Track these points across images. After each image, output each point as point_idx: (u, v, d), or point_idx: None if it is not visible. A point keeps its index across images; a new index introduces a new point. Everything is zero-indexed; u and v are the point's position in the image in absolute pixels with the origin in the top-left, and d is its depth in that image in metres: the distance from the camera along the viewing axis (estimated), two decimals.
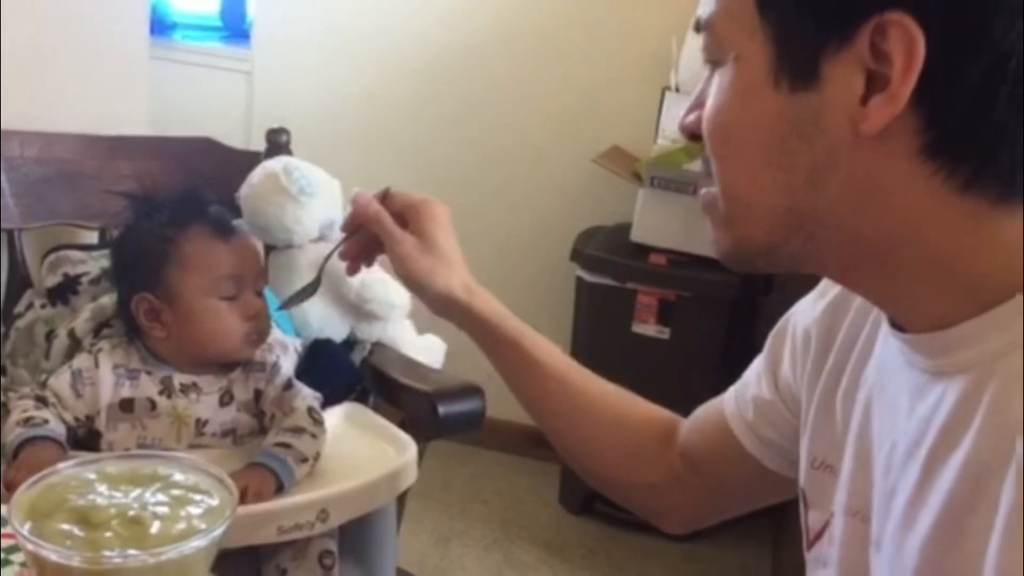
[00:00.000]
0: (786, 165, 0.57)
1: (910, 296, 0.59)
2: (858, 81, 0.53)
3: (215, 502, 0.54)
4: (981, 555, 0.52)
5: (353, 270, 0.97)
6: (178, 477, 0.56)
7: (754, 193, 0.59)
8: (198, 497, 0.54)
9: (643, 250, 2.15)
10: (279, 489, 1.06)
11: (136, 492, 0.54)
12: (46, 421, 1.05)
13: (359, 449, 1.20)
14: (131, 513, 0.52)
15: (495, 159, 2.49)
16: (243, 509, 1.00)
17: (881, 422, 0.65)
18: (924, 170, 0.54)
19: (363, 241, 0.95)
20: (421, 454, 1.21)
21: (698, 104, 0.62)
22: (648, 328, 2.16)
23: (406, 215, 0.95)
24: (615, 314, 2.16)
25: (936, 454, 0.57)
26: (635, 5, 2.33)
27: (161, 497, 0.54)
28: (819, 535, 0.72)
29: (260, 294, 1.16)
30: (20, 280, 1.35)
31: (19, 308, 1.29)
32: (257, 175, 1.42)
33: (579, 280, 2.21)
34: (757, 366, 0.85)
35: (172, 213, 1.14)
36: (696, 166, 2.30)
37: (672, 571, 2.17)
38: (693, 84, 2.23)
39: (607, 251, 2.19)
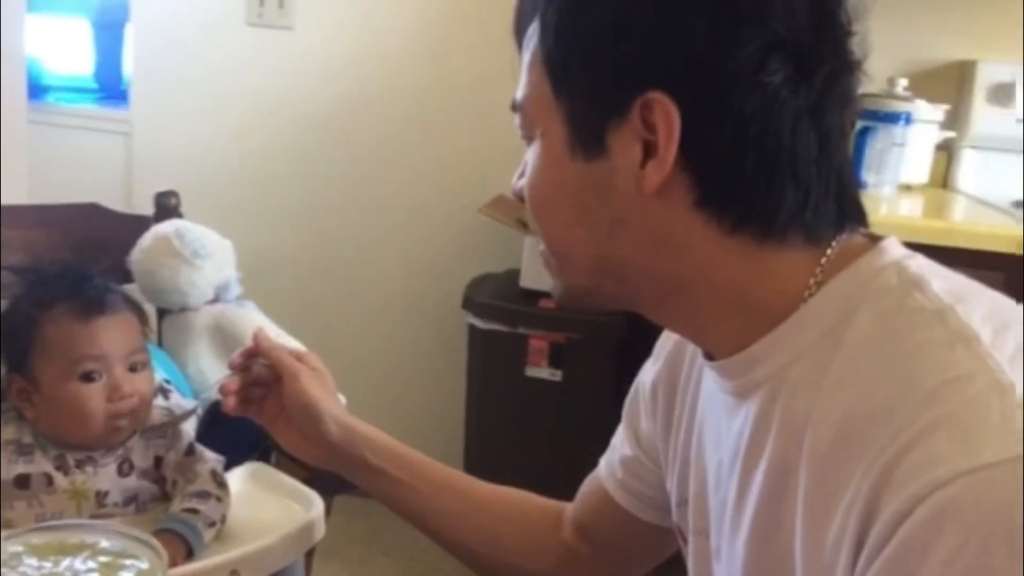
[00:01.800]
0: (589, 222, 0.66)
1: (709, 326, 0.68)
2: (636, 149, 0.63)
3: (145, 565, 0.56)
4: (791, 541, 0.61)
5: (230, 407, 1.01)
6: (105, 544, 0.57)
7: (569, 246, 0.69)
8: (128, 562, 0.56)
9: (532, 295, 2.21)
10: (189, 555, 1.06)
11: (66, 561, 0.55)
12: None
13: (265, 508, 1.21)
14: None
15: (382, 213, 2.52)
16: None
17: (710, 445, 0.74)
18: (699, 218, 0.64)
19: (249, 378, 1.01)
20: (327, 509, 1.23)
21: (523, 172, 0.72)
22: (541, 371, 2.21)
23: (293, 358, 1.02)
24: (508, 359, 2.21)
25: (748, 462, 0.66)
26: (516, 57, 2.41)
27: (91, 564, 0.55)
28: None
29: (137, 369, 1.12)
30: None
31: None
32: (148, 239, 1.42)
33: (471, 327, 2.25)
34: (619, 433, 0.95)
35: (40, 292, 1.12)
36: None
37: None
38: None
39: (498, 298, 2.24)
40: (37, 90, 2.71)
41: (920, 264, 0.65)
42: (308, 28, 2.47)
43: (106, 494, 1.10)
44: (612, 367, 2.20)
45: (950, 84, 2.29)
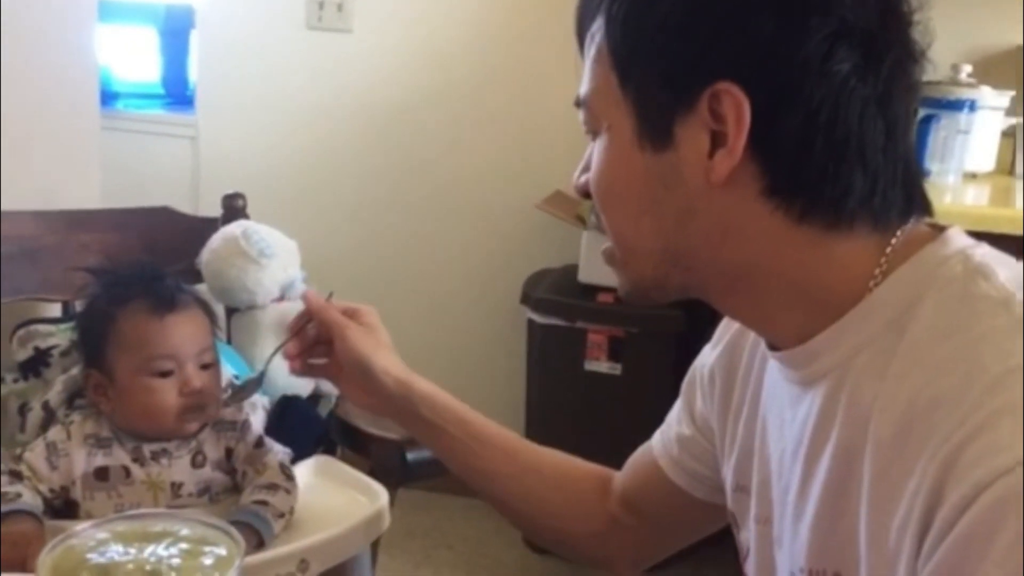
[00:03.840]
0: (657, 213, 0.68)
1: (774, 315, 0.69)
2: (704, 139, 0.64)
3: (223, 552, 0.59)
4: (856, 527, 0.62)
5: (295, 369, 1.05)
6: (185, 532, 0.60)
7: (636, 238, 0.70)
8: (207, 549, 0.59)
9: (591, 290, 2.23)
10: (259, 545, 1.10)
11: (150, 548, 0.58)
12: (19, 495, 1.07)
13: (332, 500, 1.24)
14: (149, 567, 0.56)
15: (440, 210, 2.56)
16: None
17: (773, 435, 0.74)
18: (766, 208, 0.64)
19: (307, 340, 1.05)
20: (391, 501, 1.26)
21: (586, 168, 0.73)
22: (600, 365, 2.22)
23: (347, 314, 1.04)
24: (567, 353, 2.23)
25: (813, 451, 0.67)
26: (570, 55, 2.43)
27: (174, 551, 0.58)
28: (747, 553, 0.82)
29: (208, 367, 1.17)
30: None
31: None
32: (217, 240, 1.47)
33: (530, 322, 2.27)
34: (676, 410, 0.95)
35: (115, 290, 1.17)
36: None
37: None
38: None
39: (556, 292, 2.26)
40: (107, 97, 2.78)
41: (985, 253, 0.65)
42: (366, 30, 2.51)
43: (181, 485, 1.14)
44: (671, 360, 2.20)
45: (1015, 70, 2.24)
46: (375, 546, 1.33)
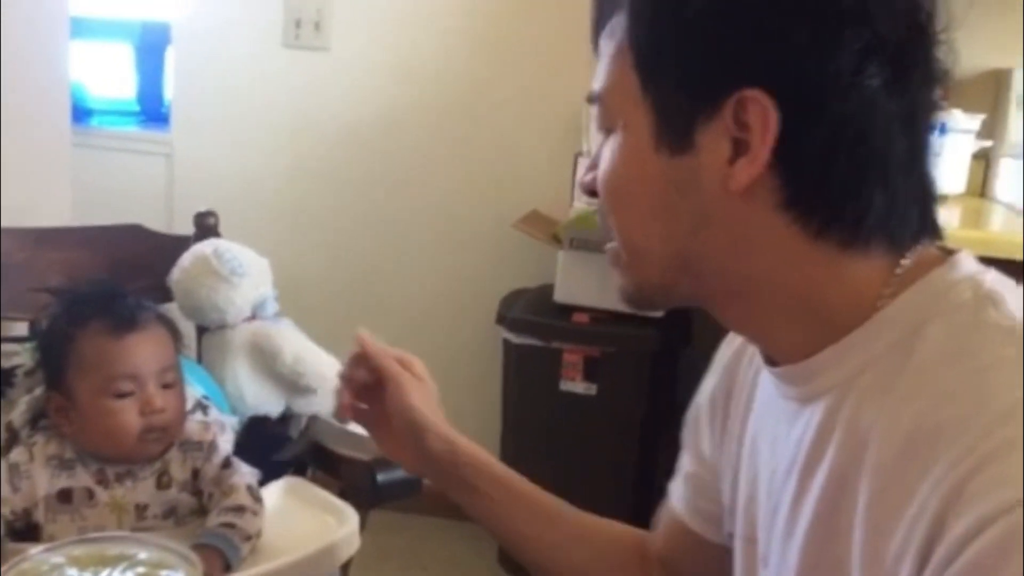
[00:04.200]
0: (669, 217, 0.66)
1: (778, 329, 0.68)
2: (725, 146, 0.62)
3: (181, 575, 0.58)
4: (848, 549, 0.61)
5: (345, 416, 1.00)
6: (143, 555, 0.59)
7: (646, 241, 0.68)
8: (164, 573, 0.58)
9: (566, 310, 2.22)
10: (226, 569, 1.08)
11: (105, 572, 0.57)
12: None
13: (300, 522, 1.23)
14: None
15: (416, 229, 2.55)
16: None
17: (764, 453, 0.73)
18: (783, 220, 0.63)
19: (359, 385, 0.99)
20: (362, 523, 1.24)
21: (594, 165, 0.70)
22: (576, 385, 2.22)
23: (399, 363, 0.99)
24: (543, 373, 2.22)
25: (807, 470, 0.66)
26: (548, 73, 2.44)
27: (129, 575, 0.57)
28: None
29: (170, 386, 1.15)
30: None
31: None
32: (187, 259, 1.45)
33: (506, 342, 2.27)
34: (683, 452, 0.92)
35: (75, 310, 1.15)
36: None
37: None
38: None
39: (532, 312, 2.25)
40: (82, 114, 2.77)
41: (994, 279, 0.64)
42: (343, 49, 2.51)
43: (146, 507, 1.13)
44: (646, 379, 2.20)
45: (986, 93, 2.27)
46: (345, 569, 1.31)
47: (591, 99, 0.70)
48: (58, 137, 1.71)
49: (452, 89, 2.49)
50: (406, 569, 2.35)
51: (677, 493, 0.93)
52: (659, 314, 2.19)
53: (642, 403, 2.22)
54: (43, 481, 1.11)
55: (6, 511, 1.09)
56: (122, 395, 1.12)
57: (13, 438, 1.19)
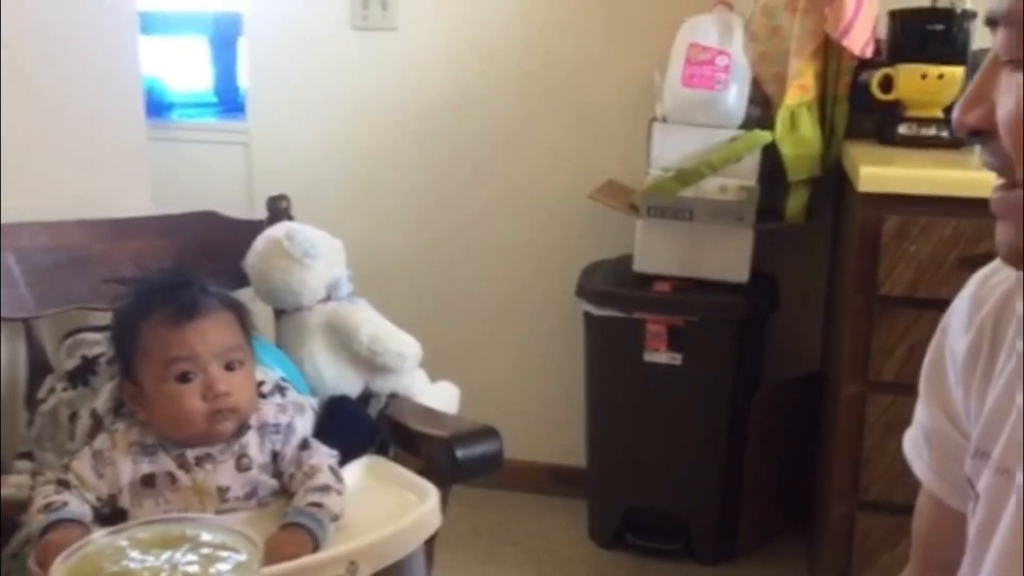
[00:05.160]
0: None
1: None
2: None
3: (243, 557, 0.57)
4: None
5: None
6: (205, 537, 0.58)
7: None
8: (225, 554, 0.57)
9: (647, 279, 2.18)
10: (315, 548, 1.08)
11: (167, 554, 0.56)
12: (65, 504, 1.07)
13: (382, 500, 1.22)
14: (164, 574, 0.55)
15: (490, 205, 2.53)
16: (277, 568, 1.03)
17: None
18: None
19: None
20: (444, 500, 1.23)
21: (978, 100, 0.61)
22: (660, 356, 2.17)
23: None
24: (626, 345, 2.18)
25: None
26: (616, 42, 2.39)
27: (191, 557, 0.56)
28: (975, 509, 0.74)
29: (236, 368, 1.16)
30: (40, 366, 1.39)
31: (41, 393, 1.32)
32: (261, 243, 1.46)
33: (587, 315, 2.23)
34: (920, 406, 0.85)
35: (140, 300, 1.17)
36: (690, 193, 2.31)
37: None
38: (679, 114, 2.25)
39: (612, 284, 2.22)
40: (162, 108, 2.83)
41: None
42: (411, 28, 2.50)
43: (227, 489, 1.13)
44: (733, 348, 2.14)
45: None
46: (431, 545, 1.31)
47: (993, 21, 0.60)
48: (134, 129, 1.72)
49: (522, 61, 2.45)
50: (496, 545, 2.35)
51: (921, 462, 0.84)
52: (744, 280, 2.13)
53: (729, 372, 2.16)
54: (127, 467, 1.13)
55: (92, 497, 1.10)
56: (184, 380, 1.13)
57: (97, 425, 1.21)
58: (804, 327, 2.36)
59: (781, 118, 2.05)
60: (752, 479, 2.21)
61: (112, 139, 1.67)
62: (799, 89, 2.05)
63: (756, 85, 2.13)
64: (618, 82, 2.40)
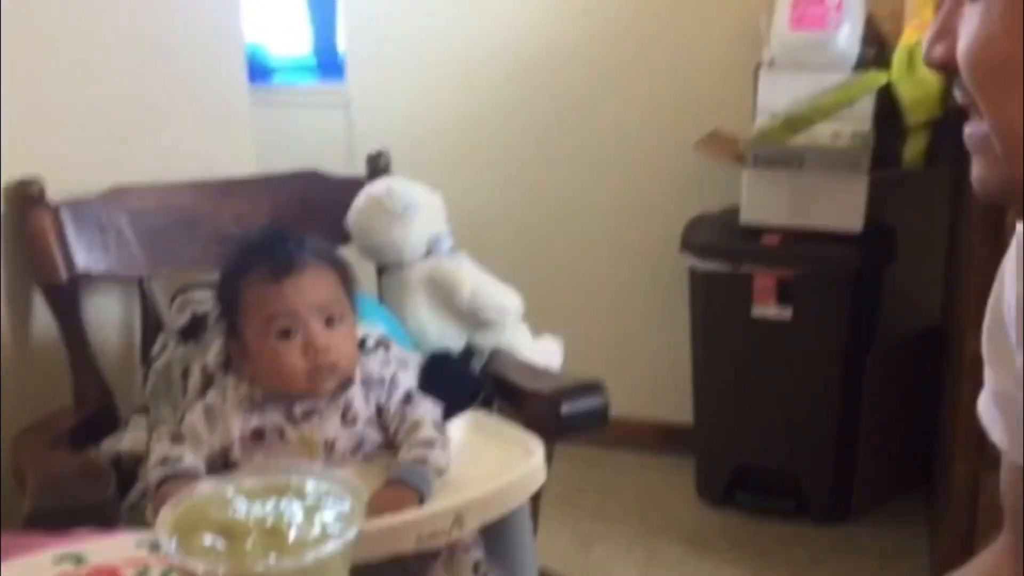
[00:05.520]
0: None
1: None
2: None
3: (346, 507, 0.56)
4: None
5: None
6: (310, 486, 0.58)
7: None
8: (330, 504, 0.56)
9: (755, 232, 2.11)
10: (420, 502, 1.08)
11: (271, 503, 0.56)
12: (180, 458, 1.10)
13: (487, 455, 1.21)
14: (269, 523, 0.54)
15: (592, 158, 2.48)
16: (383, 520, 1.03)
17: None
18: None
19: None
20: (549, 455, 1.21)
21: (942, 34, 0.59)
22: (769, 310, 2.11)
23: None
24: (733, 300, 2.12)
25: None
26: None
27: (296, 506, 0.56)
28: None
29: (336, 324, 1.15)
30: (153, 324, 1.42)
31: (154, 350, 1.36)
32: (361, 199, 1.46)
33: (692, 270, 2.18)
34: (987, 370, 0.81)
35: (241, 258, 1.17)
36: (800, 141, 2.21)
37: (822, 558, 2.10)
38: (787, 58, 2.15)
39: (718, 237, 2.16)
40: (263, 73, 2.87)
41: None
42: None
43: (333, 443, 1.14)
44: (847, 302, 2.06)
45: None
46: (536, 501, 1.30)
47: None
48: (238, 94, 1.75)
49: (624, 10, 2.39)
50: (603, 502, 2.34)
51: (997, 428, 0.80)
52: (858, 231, 2.04)
53: (842, 327, 2.08)
54: (237, 421, 1.14)
55: (204, 451, 1.13)
56: (285, 336, 1.13)
57: (208, 381, 1.23)
58: (923, 279, 2.25)
59: (898, 58, 1.95)
60: (868, 437, 2.13)
61: (218, 104, 1.70)
62: (917, 26, 1.94)
63: (870, 23, 2.03)
64: (722, 27, 2.31)
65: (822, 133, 2.02)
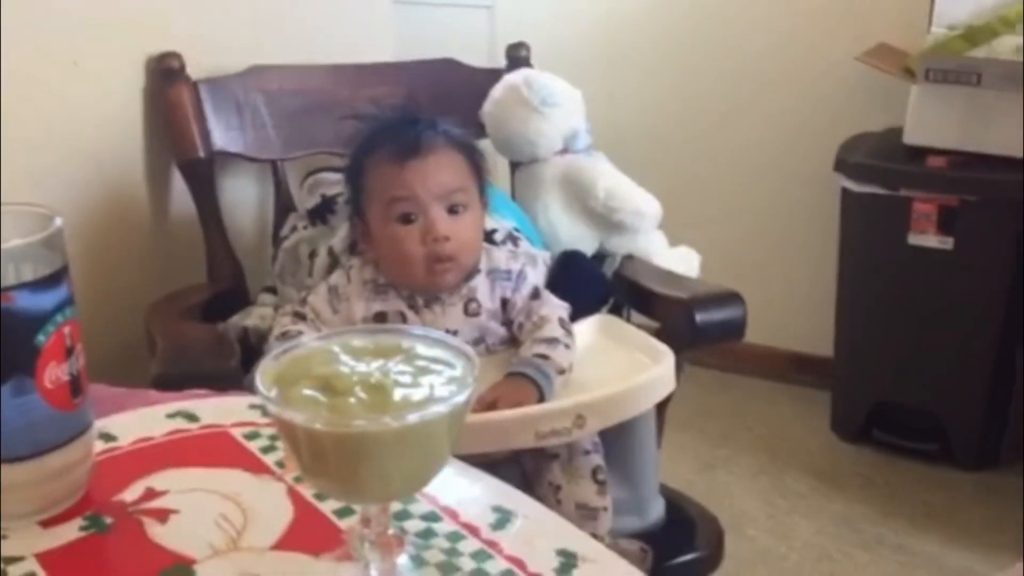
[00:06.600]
0: None
1: None
2: None
3: (457, 372, 0.52)
4: None
5: None
6: (420, 349, 0.54)
7: None
8: (439, 368, 0.52)
9: (918, 153, 1.95)
10: (540, 399, 1.05)
11: (379, 363, 0.52)
12: (300, 334, 1.08)
13: (614, 358, 1.17)
14: (373, 380, 0.51)
15: (746, 66, 2.34)
16: (502, 414, 1.00)
17: None
18: None
19: None
20: (679, 366, 1.15)
21: None
22: (927, 239, 1.96)
23: None
24: (888, 226, 1.98)
25: None
26: None
27: (404, 367, 0.52)
28: None
29: (459, 212, 1.10)
30: (284, 206, 1.42)
31: (284, 231, 1.35)
32: (499, 90, 1.40)
33: (845, 191, 2.04)
34: None
35: (370, 139, 1.13)
36: (979, 54, 2.03)
37: (961, 504, 1.98)
38: None
39: (876, 157, 2.01)
40: None
41: None
42: None
43: (456, 332, 1.11)
44: (1015, 233, 1.89)
45: None
46: (662, 414, 1.24)
47: None
48: None
49: None
50: (730, 428, 2.26)
51: None
52: None
53: (1009, 260, 1.92)
54: (360, 304, 1.12)
55: (326, 331, 1.11)
56: (406, 220, 1.09)
57: (334, 263, 1.22)
58: None
59: None
60: None
61: None
62: None
63: None
64: None
65: (1005, 47, 1.84)
